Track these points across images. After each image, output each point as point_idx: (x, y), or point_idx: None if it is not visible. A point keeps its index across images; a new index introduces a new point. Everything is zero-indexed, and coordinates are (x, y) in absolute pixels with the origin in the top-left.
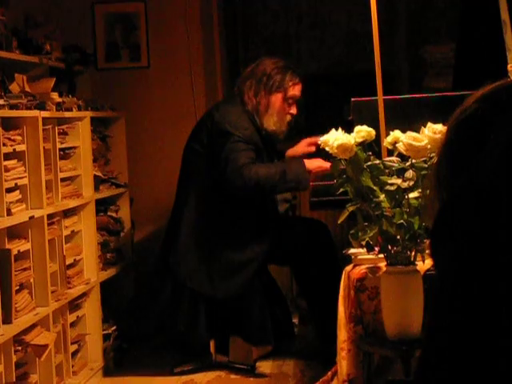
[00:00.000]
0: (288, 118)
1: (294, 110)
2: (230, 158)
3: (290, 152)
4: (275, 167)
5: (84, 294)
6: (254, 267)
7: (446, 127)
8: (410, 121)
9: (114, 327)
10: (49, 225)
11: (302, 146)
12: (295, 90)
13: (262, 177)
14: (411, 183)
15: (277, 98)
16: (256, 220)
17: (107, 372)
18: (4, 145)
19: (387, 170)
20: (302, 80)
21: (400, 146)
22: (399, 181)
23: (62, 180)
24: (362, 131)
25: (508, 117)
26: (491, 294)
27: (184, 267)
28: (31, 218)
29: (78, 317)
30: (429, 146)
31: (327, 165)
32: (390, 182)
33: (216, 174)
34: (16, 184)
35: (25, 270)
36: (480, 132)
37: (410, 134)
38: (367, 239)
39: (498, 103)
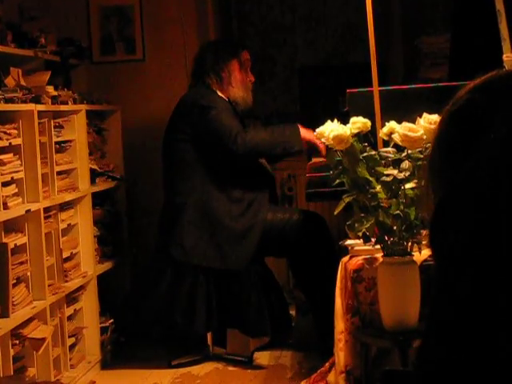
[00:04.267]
0: (249, 85)
1: (251, 77)
2: (221, 130)
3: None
4: (272, 129)
5: (81, 287)
6: (259, 231)
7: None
8: (405, 111)
9: (112, 320)
10: (45, 218)
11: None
12: (245, 55)
13: (261, 139)
14: (407, 174)
15: (234, 67)
16: (254, 185)
17: (105, 365)
18: (0, 139)
19: (383, 161)
20: (246, 47)
21: (396, 137)
22: (395, 171)
23: (58, 173)
24: (358, 122)
25: (501, 107)
26: (492, 284)
27: (189, 248)
28: (27, 211)
29: (75, 310)
30: (424, 137)
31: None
32: (386, 172)
33: (205, 149)
34: (12, 178)
35: (21, 263)
36: (473, 123)
37: (405, 124)
38: (364, 230)
39: (491, 93)
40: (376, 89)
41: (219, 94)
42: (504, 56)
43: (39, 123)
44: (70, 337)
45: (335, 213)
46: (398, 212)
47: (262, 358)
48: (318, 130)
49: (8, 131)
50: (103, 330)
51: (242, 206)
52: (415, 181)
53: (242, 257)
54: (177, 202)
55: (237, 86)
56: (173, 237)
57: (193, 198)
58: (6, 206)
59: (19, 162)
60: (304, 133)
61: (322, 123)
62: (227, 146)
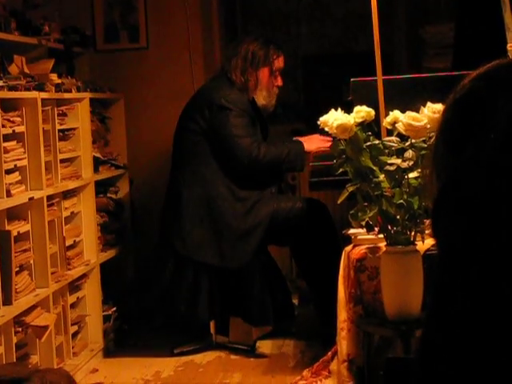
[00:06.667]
0: (275, 90)
1: (279, 82)
2: (235, 135)
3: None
4: (281, 149)
5: (84, 276)
6: (261, 233)
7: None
8: (409, 101)
9: (114, 308)
10: (48, 206)
11: (316, 143)
12: (280, 62)
13: (271, 158)
14: (411, 163)
15: (264, 73)
16: (258, 184)
17: (107, 353)
18: (3, 126)
19: (387, 150)
20: (284, 51)
21: (399, 126)
22: (399, 161)
23: (62, 161)
24: (362, 111)
25: (504, 95)
26: (496, 272)
27: (191, 243)
28: (31, 199)
29: (78, 298)
30: (428, 126)
31: (325, 144)
32: (389, 162)
33: (217, 149)
34: (15, 165)
35: (25, 251)
36: (476, 111)
37: (409, 113)
38: (367, 219)
39: (494, 81)
40: (380, 78)
41: (242, 93)
42: (508, 45)
43: (43, 111)
44: (72, 325)
45: (338, 202)
46: (401, 201)
47: (265, 346)
48: (321, 118)
49: (11, 119)
50: (106, 318)
51: (247, 205)
52: (419, 170)
53: (242, 256)
54: (182, 194)
55: (261, 91)
56: (175, 229)
57: (199, 192)
58: (9, 194)
59: (22, 149)
60: (308, 146)
61: (326, 112)
62: (237, 158)
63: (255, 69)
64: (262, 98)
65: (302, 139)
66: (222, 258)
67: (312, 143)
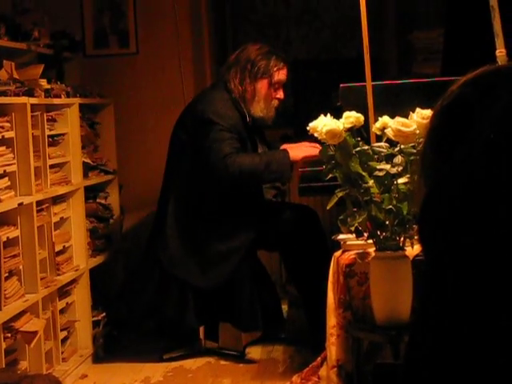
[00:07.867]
0: (275, 103)
1: (280, 95)
2: (214, 147)
3: (288, 148)
4: (259, 157)
5: (73, 281)
6: (241, 255)
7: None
8: (398, 106)
9: (104, 314)
10: (38, 211)
11: (304, 151)
12: (280, 75)
13: (245, 167)
14: (400, 169)
15: (263, 85)
16: (241, 208)
17: (97, 359)
18: None
19: (376, 156)
20: (287, 64)
21: (389, 132)
22: (388, 166)
23: (51, 167)
24: (351, 117)
25: (491, 101)
26: (481, 278)
27: (171, 257)
28: (20, 204)
29: (67, 303)
30: (417, 132)
31: (313, 151)
32: (378, 167)
33: (199, 163)
34: (5, 171)
35: (14, 256)
36: (463, 117)
37: (398, 119)
38: (356, 225)
39: (481, 87)
40: (369, 83)
41: (241, 104)
42: (497, 51)
43: (32, 116)
44: (62, 330)
45: (328, 207)
46: (390, 207)
47: (254, 352)
48: (311, 124)
49: (1, 124)
50: (95, 324)
51: (230, 227)
52: (408, 176)
53: (218, 277)
54: (166, 204)
55: (258, 103)
56: (159, 238)
57: (183, 204)
58: None
59: (12, 155)
60: (295, 154)
61: (315, 118)
62: (211, 173)
63: (254, 79)
64: (259, 110)
65: (288, 147)
66: (197, 276)
67: (299, 151)
